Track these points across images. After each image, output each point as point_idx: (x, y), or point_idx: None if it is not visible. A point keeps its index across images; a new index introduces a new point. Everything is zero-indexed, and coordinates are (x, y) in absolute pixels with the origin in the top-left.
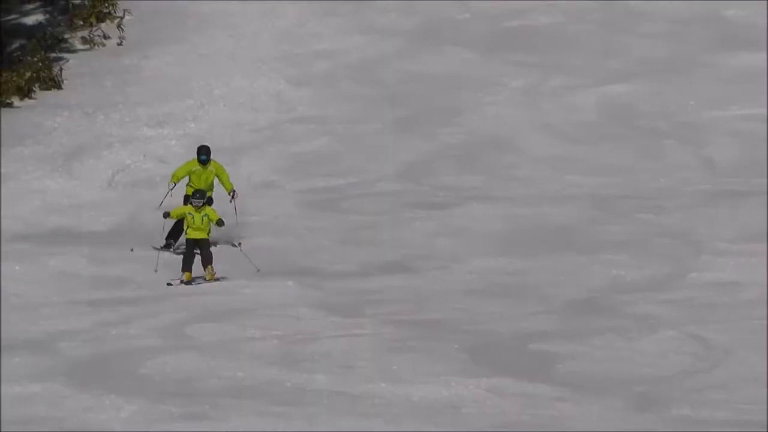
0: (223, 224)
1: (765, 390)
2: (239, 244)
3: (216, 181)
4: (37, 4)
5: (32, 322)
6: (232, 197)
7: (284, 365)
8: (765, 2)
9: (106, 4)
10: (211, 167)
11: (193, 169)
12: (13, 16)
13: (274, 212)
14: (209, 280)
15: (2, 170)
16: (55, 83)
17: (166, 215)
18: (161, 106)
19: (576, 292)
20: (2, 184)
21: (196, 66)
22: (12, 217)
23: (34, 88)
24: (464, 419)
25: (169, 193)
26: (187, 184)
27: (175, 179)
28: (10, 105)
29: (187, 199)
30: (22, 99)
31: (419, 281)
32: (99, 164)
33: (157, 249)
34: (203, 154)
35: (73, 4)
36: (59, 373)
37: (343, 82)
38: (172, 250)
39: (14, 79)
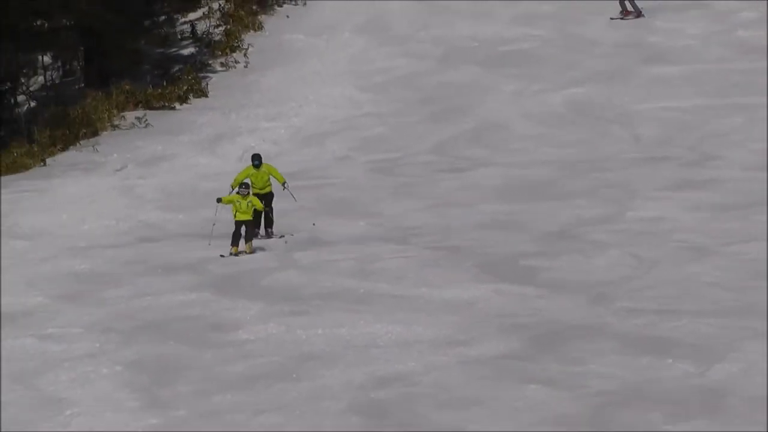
0: (286, 186)
1: (681, 286)
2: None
3: (271, 178)
4: (190, 41)
5: (190, 251)
6: (284, 186)
7: (358, 277)
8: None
9: (236, 41)
10: (263, 169)
11: (251, 173)
12: (174, 49)
13: (349, 175)
14: (248, 253)
15: (171, 151)
16: (203, 93)
17: (219, 200)
18: (273, 107)
19: (551, 226)
20: (171, 161)
21: (295, 81)
22: (177, 182)
23: (189, 97)
24: (477, 311)
25: (232, 192)
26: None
27: (235, 184)
28: (173, 108)
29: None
30: (181, 104)
31: (446, 220)
32: (233, 146)
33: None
34: (256, 160)
35: (213, 40)
36: (208, 285)
37: (392, 89)
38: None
39: (176, 90)
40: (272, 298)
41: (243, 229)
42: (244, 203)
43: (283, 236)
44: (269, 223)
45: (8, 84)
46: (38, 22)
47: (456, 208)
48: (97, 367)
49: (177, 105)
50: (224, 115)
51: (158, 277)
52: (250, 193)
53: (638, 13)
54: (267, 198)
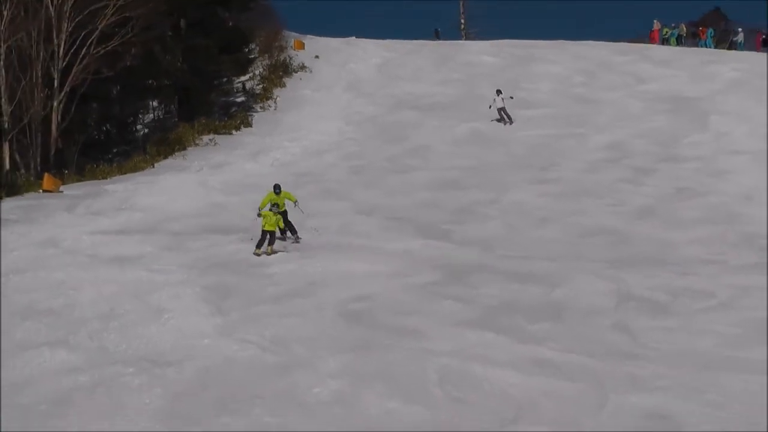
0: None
1: (536, 242)
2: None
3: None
4: (242, 93)
5: (240, 221)
6: (296, 205)
7: (342, 235)
8: (533, 88)
9: (270, 93)
10: (282, 195)
11: (272, 198)
12: (232, 98)
13: (336, 175)
14: (269, 254)
15: (229, 160)
16: (249, 125)
17: (258, 215)
18: (292, 134)
19: (459, 205)
20: (230, 165)
21: (305, 118)
22: (233, 179)
23: (241, 127)
24: (415, 256)
25: (258, 217)
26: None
27: (262, 206)
28: (231, 134)
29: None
30: (236, 131)
31: (394, 202)
32: (266, 158)
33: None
34: (277, 188)
35: (256, 93)
36: (251, 241)
37: (364, 124)
38: (293, 237)
39: (233, 123)
40: (290, 248)
41: (268, 236)
42: (273, 218)
43: (299, 239)
44: (293, 230)
45: (131, 118)
46: (150, 81)
47: (401, 195)
48: (184, 290)
49: (234, 132)
50: (261, 138)
51: (221, 235)
52: (279, 212)
53: (508, 120)
54: (282, 214)
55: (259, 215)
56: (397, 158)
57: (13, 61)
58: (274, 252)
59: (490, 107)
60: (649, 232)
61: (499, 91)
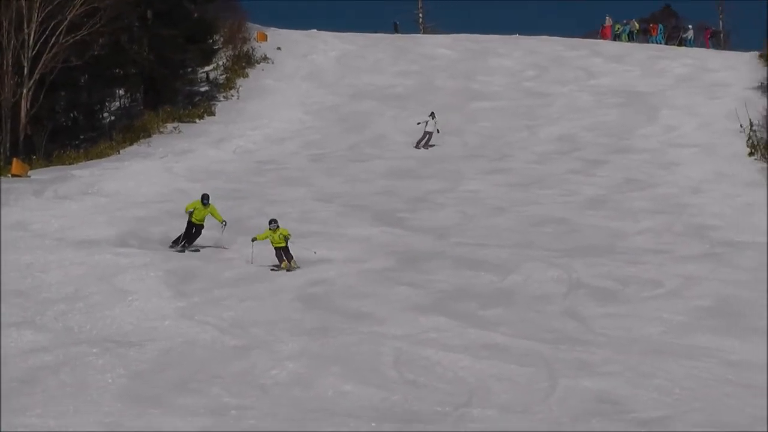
0: (289, 238)
1: (488, 230)
2: (315, 252)
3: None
4: (206, 82)
5: None
6: (223, 225)
7: (301, 222)
8: (487, 81)
9: (232, 83)
10: (210, 208)
11: (197, 206)
12: (196, 87)
13: (297, 163)
14: (293, 268)
15: (193, 147)
16: (212, 113)
17: (253, 239)
18: (254, 122)
19: (414, 194)
20: (193, 152)
21: (269, 107)
22: (196, 165)
23: (204, 115)
24: (371, 243)
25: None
26: (191, 215)
27: (186, 210)
28: (195, 122)
29: (190, 225)
30: (200, 119)
31: (353, 189)
32: (229, 145)
33: (174, 248)
34: (205, 198)
35: (219, 83)
36: (214, 226)
37: (324, 113)
38: (180, 248)
39: (197, 112)
40: (250, 233)
41: (282, 254)
42: (276, 235)
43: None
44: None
45: (99, 106)
46: (117, 70)
47: (359, 183)
48: (148, 273)
49: (197, 120)
50: (224, 126)
51: (184, 220)
52: (279, 226)
53: (425, 145)
54: (198, 229)
55: (253, 240)
56: (357, 147)
57: None
58: (296, 267)
59: (418, 124)
60: (599, 222)
61: (433, 114)
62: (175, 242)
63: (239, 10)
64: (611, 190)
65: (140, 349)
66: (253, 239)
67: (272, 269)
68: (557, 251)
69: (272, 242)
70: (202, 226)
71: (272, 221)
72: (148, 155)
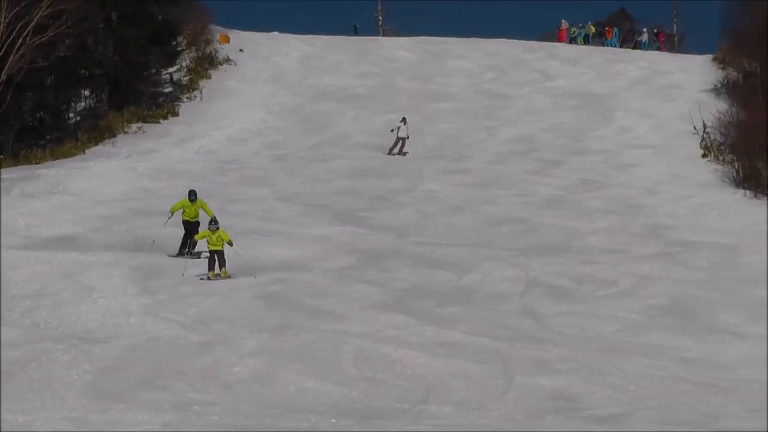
0: (232, 245)
1: (447, 229)
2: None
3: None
4: (170, 84)
5: (167, 204)
6: (214, 225)
7: (263, 221)
8: (446, 82)
9: (196, 84)
10: (198, 203)
11: (185, 205)
12: (160, 88)
13: (259, 163)
14: (224, 277)
15: (157, 147)
16: (176, 114)
17: (195, 240)
18: (216, 123)
19: (375, 193)
20: (158, 152)
21: (231, 108)
22: (160, 165)
23: (168, 116)
24: (331, 242)
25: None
26: (183, 213)
27: (173, 210)
28: (159, 122)
29: (186, 224)
30: (164, 120)
31: (314, 189)
32: (192, 145)
33: (174, 256)
34: (192, 195)
35: (183, 84)
36: (176, 224)
37: (286, 114)
38: (186, 253)
39: (161, 112)
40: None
41: (215, 257)
42: (214, 237)
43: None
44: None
45: (64, 106)
46: (83, 71)
47: (320, 183)
48: (113, 270)
49: (161, 120)
50: (188, 127)
51: (148, 218)
52: (219, 228)
53: (399, 152)
54: (193, 226)
55: (194, 239)
56: (318, 147)
57: None
58: (228, 276)
59: (392, 131)
60: (556, 222)
61: (404, 120)
62: (182, 249)
63: (203, 11)
64: (568, 190)
65: (105, 346)
66: (171, 211)
67: (201, 278)
68: (514, 250)
69: (208, 243)
70: (198, 223)
71: (213, 221)
72: (113, 155)
